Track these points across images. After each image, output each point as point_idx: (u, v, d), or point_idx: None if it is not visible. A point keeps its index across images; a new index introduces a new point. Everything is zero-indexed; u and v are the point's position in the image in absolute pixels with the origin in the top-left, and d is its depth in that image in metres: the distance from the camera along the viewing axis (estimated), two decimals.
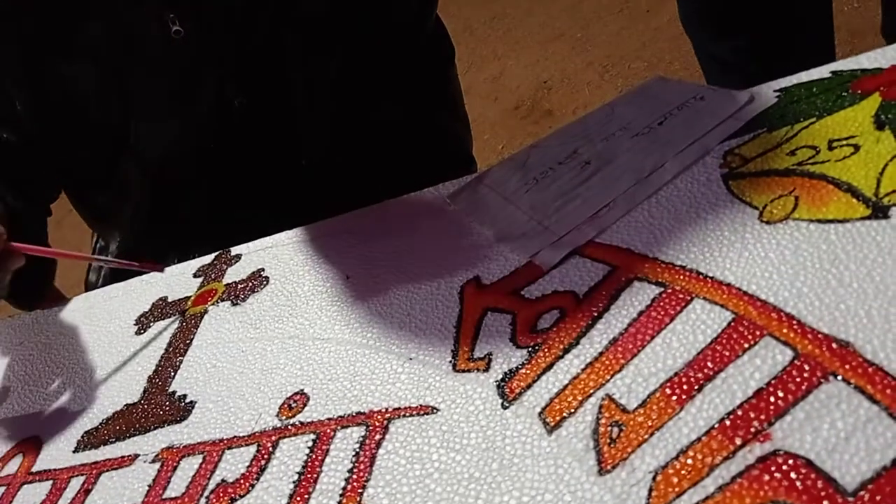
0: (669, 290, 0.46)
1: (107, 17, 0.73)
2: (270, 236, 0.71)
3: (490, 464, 0.42)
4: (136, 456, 0.55)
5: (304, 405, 0.52)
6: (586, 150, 0.61)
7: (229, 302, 0.65)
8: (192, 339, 0.63)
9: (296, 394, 0.53)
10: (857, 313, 0.40)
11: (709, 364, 0.41)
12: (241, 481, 0.49)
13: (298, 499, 0.46)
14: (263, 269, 0.67)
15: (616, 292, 0.48)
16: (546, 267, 0.52)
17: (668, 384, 0.41)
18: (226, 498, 0.48)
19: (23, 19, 0.74)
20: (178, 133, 0.77)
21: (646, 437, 0.39)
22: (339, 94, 0.78)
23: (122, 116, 0.76)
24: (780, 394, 0.38)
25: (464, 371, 0.48)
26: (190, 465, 0.52)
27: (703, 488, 0.36)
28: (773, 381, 0.39)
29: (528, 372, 0.46)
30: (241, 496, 0.48)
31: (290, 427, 0.51)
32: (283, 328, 0.59)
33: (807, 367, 0.38)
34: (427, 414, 0.47)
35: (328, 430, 0.49)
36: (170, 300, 0.69)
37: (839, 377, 0.37)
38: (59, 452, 0.59)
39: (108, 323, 0.70)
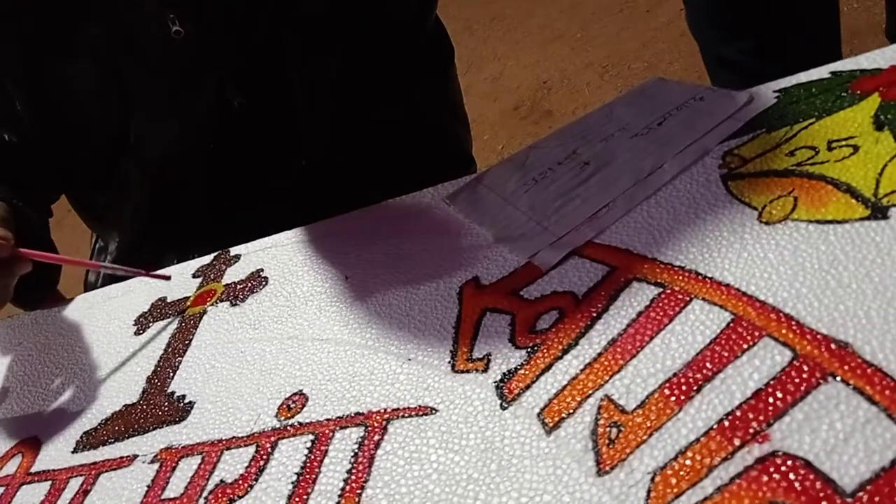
0: (668, 291, 0.46)
1: (107, 17, 0.73)
2: (270, 237, 0.71)
3: (489, 464, 0.42)
4: (135, 456, 0.55)
5: (303, 406, 0.52)
6: (585, 151, 0.61)
7: (228, 302, 0.65)
8: (191, 340, 0.63)
9: (294, 394, 0.53)
10: (855, 314, 0.40)
11: (708, 365, 0.41)
12: (240, 482, 0.49)
13: (297, 499, 0.46)
14: (263, 270, 0.67)
15: (615, 293, 0.48)
16: (545, 267, 0.52)
17: (667, 385, 0.41)
18: (224, 498, 0.48)
19: (23, 19, 0.74)
20: (178, 133, 0.77)
21: (644, 437, 0.39)
22: (339, 94, 0.78)
23: (122, 116, 0.76)
24: (779, 394, 0.38)
25: (463, 372, 0.48)
26: (189, 466, 0.52)
27: (701, 489, 0.36)
28: (771, 382, 0.39)
29: (527, 372, 0.46)
30: (240, 497, 0.48)
31: (288, 428, 0.51)
32: (283, 329, 0.59)
33: (806, 368, 0.38)
34: (426, 414, 0.47)
35: (327, 431, 0.49)
36: (169, 300, 0.69)
37: (838, 378, 0.37)
38: (57, 453, 0.59)
39: (108, 323, 0.70)
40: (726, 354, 0.41)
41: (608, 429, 0.41)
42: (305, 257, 0.66)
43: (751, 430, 0.37)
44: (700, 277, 0.46)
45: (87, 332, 0.71)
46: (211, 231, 0.77)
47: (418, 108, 0.84)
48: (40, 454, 0.59)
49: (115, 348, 0.67)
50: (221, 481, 0.49)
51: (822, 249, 0.44)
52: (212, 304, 0.66)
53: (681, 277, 0.47)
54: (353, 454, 0.47)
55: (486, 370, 0.47)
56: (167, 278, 0.70)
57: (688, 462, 0.37)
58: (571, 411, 0.42)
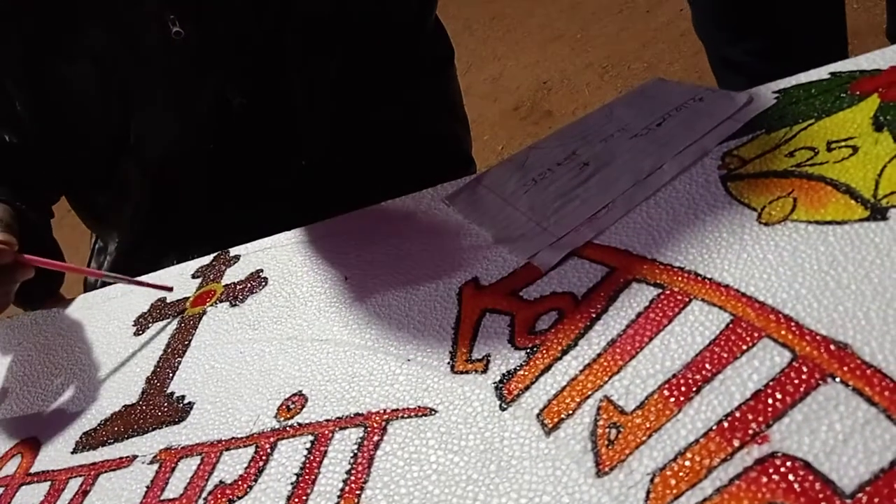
0: (668, 292, 0.46)
1: (107, 17, 0.73)
2: (269, 237, 0.71)
3: (488, 465, 0.42)
4: (135, 457, 0.55)
5: (303, 406, 0.52)
6: (585, 152, 0.61)
7: (228, 303, 0.65)
8: (190, 340, 0.63)
9: (294, 395, 0.53)
10: (855, 315, 0.40)
11: (707, 366, 0.41)
12: (240, 482, 0.49)
13: (296, 500, 0.46)
14: (262, 270, 0.67)
15: (614, 293, 0.48)
16: (544, 268, 0.52)
17: (667, 386, 0.41)
18: (224, 499, 0.48)
19: (23, 19, 0.74)
20: (177, 133, 0.77)
21: (644, 438, 0.39)
22: (339, 95, 0.78)
23: (122, 116, 0.77)
24: (779, 395, 0.38)
25: (462, 372, 0.48)
26: (188, 467, 0.52)
27: (700, 490, 0.36)
28: (771, 383, 0.39)
29: (527, 373, 0.46)
30: (240, 497, 0.48)
31: (288, 428, 0.51)
32: (282, 329, 0.59)
33: (805, 369, 0.38)
34: (425, 415, 0.47)
35: (326, 432, 0.49)
36: (168, 301, 0.69)
37: (837, 379, 0.37)
38: (57, 453, 0.59)
39: (107, 324, 0.70)
40: (726, 355, 0.41)
41: (607, 430, 0.41)
42: (305, 258, 0.66)
43: (750, 431, 0.37)
44: (699, 278, 0.46)
45: (86, 333, 0.71)
46: (211, 231, 0.77)
47: (418, 109, 0.84)
48: (40, 455, 0.59)
49: (114, 349, 0.67)
50: (221, 482, 0.49)
51: (821, 250, 0.44)
52: (211, 305, 0.66)
53: (680, 278, 0.47)
54: (352, 455, 0.47)
55: (485, 371, 0.47)
56: (169, 289, 0.70)
57: (687, 463, 0.37)
58: (571, 412, 0.42)
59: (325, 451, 0.48)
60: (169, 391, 0.59)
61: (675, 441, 0.38)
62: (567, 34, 2.34)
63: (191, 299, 0.68)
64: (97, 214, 0.88)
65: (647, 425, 0.40)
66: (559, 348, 0.46)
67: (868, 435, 0.35)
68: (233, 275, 0.69)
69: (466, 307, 0.53)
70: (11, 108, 0.78)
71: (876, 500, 0.33)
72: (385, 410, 0.48)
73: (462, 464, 0.43)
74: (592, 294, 0.49)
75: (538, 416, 0.43)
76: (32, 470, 0.58)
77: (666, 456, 0.38)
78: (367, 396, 0.50)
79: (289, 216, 0.71)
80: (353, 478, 0.45)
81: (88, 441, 0.58)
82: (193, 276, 0.71)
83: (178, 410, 0.57)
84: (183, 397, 0.58)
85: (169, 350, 0.63)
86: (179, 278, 0.72)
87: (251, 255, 0.70)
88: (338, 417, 0.49)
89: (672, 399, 0.40)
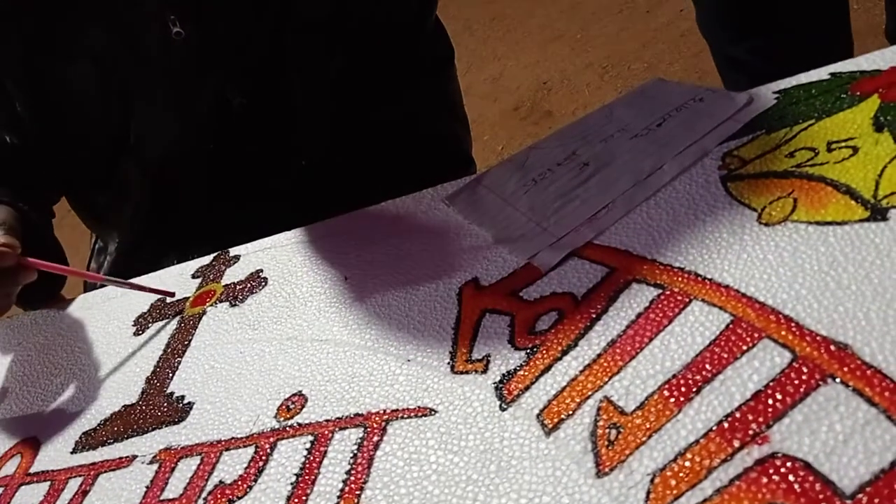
0: (668, 292, 0.46)
1: (107, 17, 0.73)
2: (269, 237, 0.71)
3: (488, 466, 0.42)
4: (134, 457, 0.55)
5: (303, 406, 0.52)
6: (585, 152, 0.61)
7: (228, 303, 0.65)
8: (190, 340, 0.63)
9: (294, 395, 0.53)
10: (855, 315, 0.40)
11: (707, 366, 0.41)
12: (239, 482, 0.49)
13: (296, 500, 0.46)
14: (262, 270, 0.67)
15: (614, 294, 0.48)
16: (544, 268, 0.52)
17: (667, 386, 0.41)
18: (224, 499, 0.48)
19: (23, 19, 0.74)
20: (177, 133, 0.77)
21: (644, 439, 0.39)
22: (339, 95, 0.78)
23: (122, 116, 0.77)
24: (779, 396, 0.38)
25: (462, 373, 0.48)
26: (188, 467, 0.52)
27: (701, 491, 0.36)
28: (771, 384, 0.39)
29: (527, 374, 0.46)
30: (239, 497, 0.48)
31: (288, 428, 0.51)
32: (282, 329, 0.59)
33: (805, 370, 0.38)
34: (425, 415, 0.47)
35: (326, 432, 0.49)
36: (168, 301, 0.69)
37: (837, 379, 0.37)
38: (56, 453, 0.59)
39: (107, 324, 0.70)
40: (726, 356, 0.41)
41: (607, 430, 0.41)
42: (305, 258, 0.66)
43: (750, 432, 0.37)
44: (699, 279, 0.46)
45: (86, 333, 0.71)
46: (211, 231, 0.77)
47: (418, 109, 0.84)
48: (39, 454, 0.59)
49: (114, 349, 0.67)
50: (220, 482, 0.49)
51: (821, 251, 0.44)
52: (211, 305, 0.66)
53: (680, 279, 0.47)
54: (352, 455, 0.47)
55: (485, 371, 0.47)
56: (171, 294, 0.69)
57: (687, 464, 0.37)
58: (571, 412, 0.42)
59: (325, 452, 0.48)
60: (169, 391, 0.59)
61: (676, 441, 0.38)
62: (567, 34, 2.34)
63: (191, 299, 0.68)
64: (97, 214, 0.88)
65: (648, 426, 0.40)
66: (559, 349, 0.46)
67: (868, 435, 0.35)
68: (233, 275, 0.69)
69: (466, 307, 0.53)
70: (12, 109, 0.78)
71: (876, 500, 0.33)
72: (385, 411, 0.48)
73: (462, 464, 0.43)
74: (592, 294, 0.49)
75: (538, 416, 0.43)
76: (32, 470, 0.58)
77: (666, 456, 0.38)
78: (366, 397, 0.50)
79: (289, 216, 0.71)
80: (352, 478, 0.45)
81: (88, 441, 0.58)
82: (193, 276, 0.71)
83: (178, 410, 0.57)
84: (183, 397, 0.58)
85: (169, 350, 0.63)
86: (179, 278, 0.71)
87: (251, 255, 0.70)
88: (338, 418, 0.49)
89: (672, 399, 0.40)
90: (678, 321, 0.44)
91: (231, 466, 0.50)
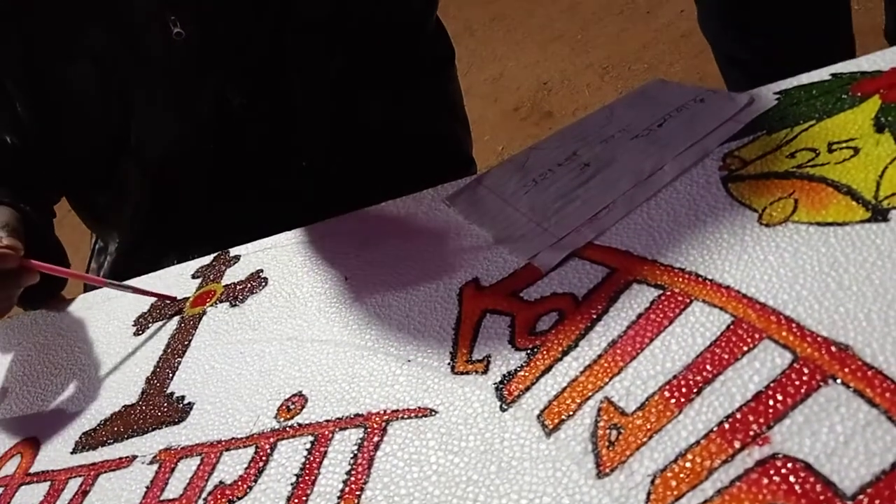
0: (668, 293, 0.46)
1: (107, 18, 0.73)
2: (269, 237, 0.71)
3: (488, 466, 0.42)
4: (134, 457, 0.55)
5: (303, 407, 0.52)
6: (585, 152, 0.61)
7: (228, 303, 0.65)
8: (190, 341, 0.63)
9: (294, 395, 0.53)
10: (856, 316, 0.40)
11: (708, 367, 0.41)
12: (239, 483, 0.48)
13: (296, 500, 0.46)
14: (262, 271, 0.67)
15: (615, 294, 0.48)
16: (545, 269, 0.52)
17: (667, 387, 0.41)
18: (224, 499, 0.48)
19: (23, 20, 0.74)
20: (178, 133, 0.77)
21: (644, 440, 0.39)
22: (339, 95, 0.78)
23: (122, 117, 0.76)
24: (779, 397, 0.38)
25: (462, 373, 0.48)
26: (188, 467, 0.52)
27: (701, 492, 0.36)
28: (772, 385, 0.39)
29: (527, 374, 0.46)
30: (239, 498, 0.48)
31: (288, 429, 0.51)
32: (282, 329, 0.59)
33: (806, 371, 0.38)
34: (425, 416, 0.47)
35: (326, 432, 0.49)
36: (168, 301, 0.69)
37: (838, 380, 0.37)
38: (56, 453, 0.58)
39: (107, 324, 0.70)
40: (726, 357, 0.41)
41: (608, 431, 0.41)
42: (305, 258, 0.66)
43: (751, 433, 0.37)
44: (700, 279, 0.46)
45: (86, 333, 0.71)
46: (211, 231, 0.77)
47: (418, 109, 0.83)
48: (39, 455, 0.59)
49: (114, 349, 0.67)
50: (221, 482, 0.49)
51: (822, 252, 0.44)
52: (211, 305, 0.66)
53: (681, 279, 0.47)
54: (352, 455, 0.47)
55: (485, 372, 0.47)
56: (173, 299, 0.69)
57: (688, 464, 0.37)
58: (571, 413, 0.42)
59: (325, 452, 0.48)
60: (169, 391, 0.59)
61: (676, 442, 0.38)
62: (567, 35, 2.34)
63: (191, 299, 0.68)
64: (97, 214, 0.88)
65: (648, 426, 0.40)
66: (560, 349, 0.46)
67: (869, 436, 0.35)
68: (233, 275, 0.68)
69: (467, 308, 0.53)
70: (12, 110, 0.78)
71: (877, 501, 0.33)
72: (385, 411, 0.48)
73: (462, 465, 0.43)
74: (593, 295, 0.49)
75: (539, 417, 0.43)
76: (32, 470, 0.58)
77: (667, 457, 0.38)
78: (367, 397, 0.50)
79: (289, 216, 0.71)
80: (353, 478, 0.45)
81: (88, 441, 0.58)
82: (193, 277, 0.71)
83: (178, 410, 0.57)
84: (183, 397, 0.58)
85: (169, 350, 0.63)
86: (179, 278, 0.71)
87: (251, 256, 0.70)
88: (338, 418, 0.49)
89: (673, 400, 0.40)
90: (679, 322, 0.44)
91: (231, 467, 0.50)
